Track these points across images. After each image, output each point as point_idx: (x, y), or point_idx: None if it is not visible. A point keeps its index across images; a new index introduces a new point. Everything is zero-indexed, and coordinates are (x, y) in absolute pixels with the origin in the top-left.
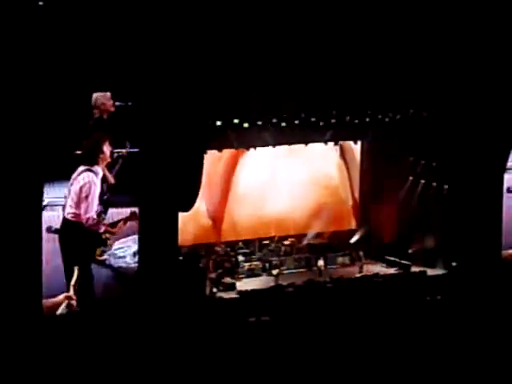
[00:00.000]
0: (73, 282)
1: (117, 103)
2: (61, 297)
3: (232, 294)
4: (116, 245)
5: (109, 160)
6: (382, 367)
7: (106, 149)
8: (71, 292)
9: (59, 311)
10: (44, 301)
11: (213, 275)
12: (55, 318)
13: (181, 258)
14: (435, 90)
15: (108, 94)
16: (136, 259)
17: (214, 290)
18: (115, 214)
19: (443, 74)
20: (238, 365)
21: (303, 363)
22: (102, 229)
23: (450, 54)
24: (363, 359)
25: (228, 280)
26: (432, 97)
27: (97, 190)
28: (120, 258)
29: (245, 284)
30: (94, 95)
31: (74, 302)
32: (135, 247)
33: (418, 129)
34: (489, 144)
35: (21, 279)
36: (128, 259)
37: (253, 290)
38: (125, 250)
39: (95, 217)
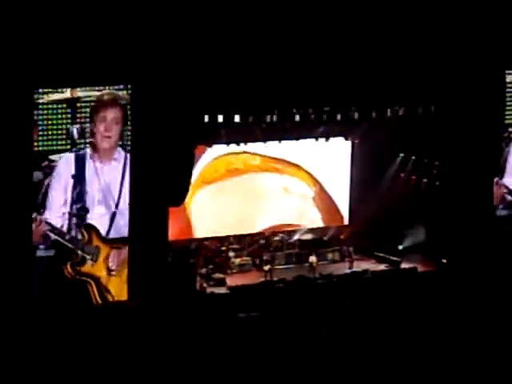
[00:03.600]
0: None
1: None
2: None
3: (222, 290)
4: None
5: None
6: (372, 363)
7: None
8: None
9: None
10: None
11: (203, 270)
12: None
13: (171, 253)
14: (427, 88)
15: None
16: None
17: (205, 285)
18: None
19: (435, 72)
20: (228, 360)
21: (293, 359)
22: None
23: (441, 53)
24: (353, 355)
25: (218, 275)
26: (424, 94)
27: None
28: None
29: (235, 279)
30: None
31: None
32: None
33: (409, 125)
34: (480, 141)
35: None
36: None
37: (243, 286)
38: None
39: None
